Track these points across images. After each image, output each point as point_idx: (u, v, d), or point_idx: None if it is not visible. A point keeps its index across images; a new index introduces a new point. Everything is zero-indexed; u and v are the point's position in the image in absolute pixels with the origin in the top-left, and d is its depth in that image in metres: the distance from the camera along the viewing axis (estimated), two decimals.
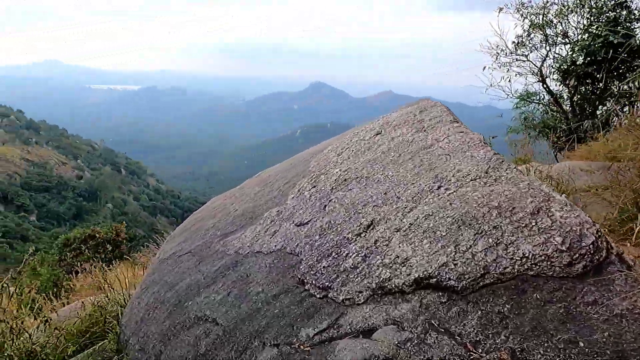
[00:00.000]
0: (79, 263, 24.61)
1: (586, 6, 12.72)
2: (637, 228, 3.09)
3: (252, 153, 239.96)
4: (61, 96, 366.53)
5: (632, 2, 11.84)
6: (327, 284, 2.47)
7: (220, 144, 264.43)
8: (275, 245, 3.14)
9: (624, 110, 11.01)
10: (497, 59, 14.90)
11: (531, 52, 14.96)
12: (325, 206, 3.30)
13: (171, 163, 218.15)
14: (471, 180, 2.75)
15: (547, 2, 13.71)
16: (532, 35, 14.52)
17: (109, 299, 4.16)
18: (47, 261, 15.44)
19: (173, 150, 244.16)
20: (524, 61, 15.13)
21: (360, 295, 2.28)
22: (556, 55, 14.18)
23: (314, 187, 3.71)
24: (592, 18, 12.65)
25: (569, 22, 13.64)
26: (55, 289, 13.77)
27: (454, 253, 2.19)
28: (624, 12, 11.92)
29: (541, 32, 14.23)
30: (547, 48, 14.77)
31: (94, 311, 4.05)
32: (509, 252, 2.08)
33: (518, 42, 15.39)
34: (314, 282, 2.54)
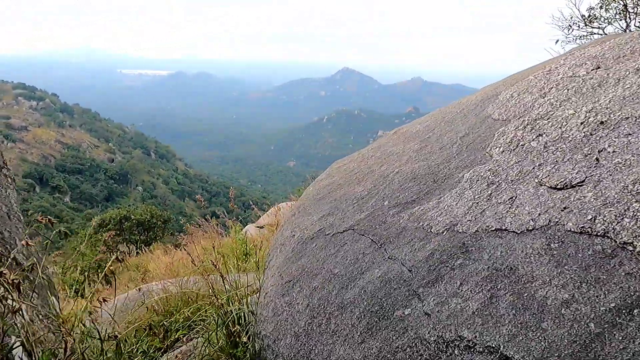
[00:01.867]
0: (115, 244, 24.13)
1: None
2: None
3: (279, 139, 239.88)
4: (93, 81, 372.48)
5: None
6: None
7: (248, 129, 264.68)
8: (533, 221, 1.90)
9: None
10: (569, 32, 13.21)
11: (609, 24, 13.19)
12: (597, 158, 2.05)
13: (199, 148, 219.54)
14: None
15: None
16: (609, 6, 12.76)
17: (215, 294, 3.02)
18: (90, 241, 14.68)
19: (201, 135, 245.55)
20: (601, 35, 13.35)
21: None
22: (638, 27, 12.41)
23: (540, 135, 2.46)
24: None
25: None
26: (99, 271, 13.01)
27: None
28: None
29: (620, 1, 12.50)
30: (627, 20, 12.96)
31: (198, 309, 2.93)
32: None
33: (589, 15, 13.58)
34: None
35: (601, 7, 12.25)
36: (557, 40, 12.56)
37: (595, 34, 12.45)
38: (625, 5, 11.98)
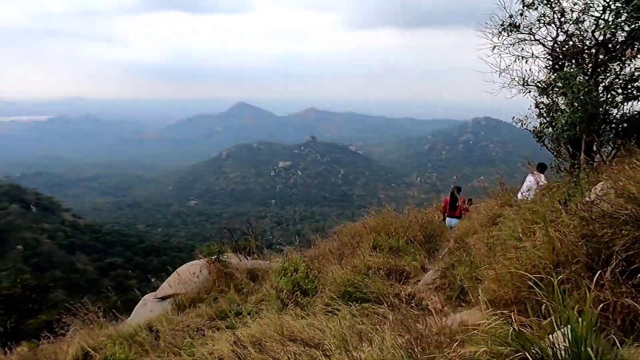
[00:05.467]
0: None
1: None
2: None
3: (178, 179, 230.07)
4: None
5: None
6: None
7: (144, 171, 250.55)
8: None
9: None
10: (499, 37, 12.35)
11: (530, 33, 12.45)
12: None
13: (91, 195, 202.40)
14: None
15: None
16: (537, 8, 12.06)
17: None
18: None
19: (92, 181, 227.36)
20: (531, 41, 12.59)
21: None
22: (574, 31, 11.82)
23: None
24: None
25: None
26: None
27: None
28: None
29: (547, 4, 11.89)
30: (557, 23, 12.30)
31: None
32: None
33: (510, 24, 12.77)
34: None
35: (521, 15, 11.55)
36: (494, 47, 11.65)
37: (525, 40, 11.70)
38: (551, 7, 11.31)
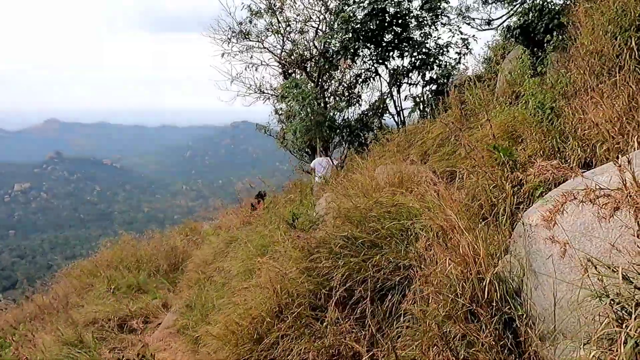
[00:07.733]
0: None
1: None
2: None
3: None
4: None
5: None
6: None
7: None
8: None
9: None
10: (229, 44, 12.22)
11: (268, 36, 12.75)
12: None
13: None
14: None
15: None
16: (264, 17, 12.32)
17: None
18: None
19: None
20: (261, 49, 12.80)
21: None
22: (300, 40, 12.41)
23: None
24: None
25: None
26: None
27: None
28: None
29: (272, 13, 12.24)
30: (284, 32, 12.80)
31: None
32: None
33: (240, 30, 12.85)
34: None
35: (250, 22, 11.52)
36: (223, 54, 11.29)
37: (254, 47, 11.68)
38: (277, 19, 11.54)
